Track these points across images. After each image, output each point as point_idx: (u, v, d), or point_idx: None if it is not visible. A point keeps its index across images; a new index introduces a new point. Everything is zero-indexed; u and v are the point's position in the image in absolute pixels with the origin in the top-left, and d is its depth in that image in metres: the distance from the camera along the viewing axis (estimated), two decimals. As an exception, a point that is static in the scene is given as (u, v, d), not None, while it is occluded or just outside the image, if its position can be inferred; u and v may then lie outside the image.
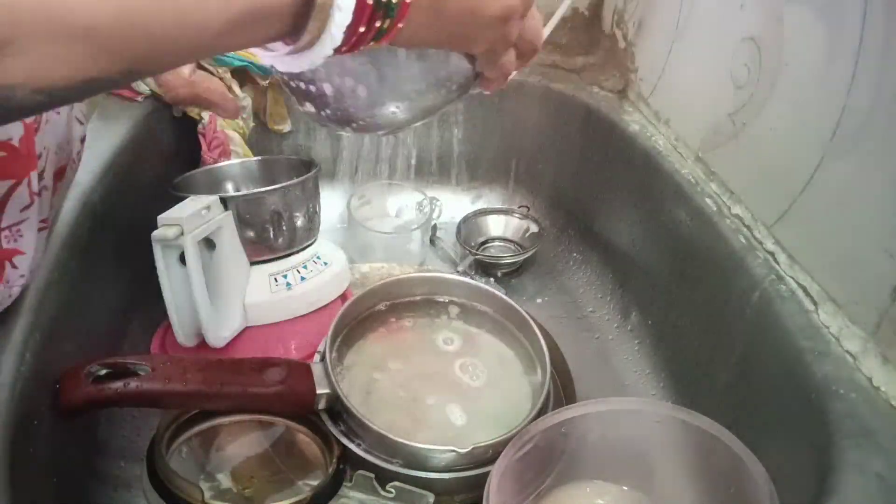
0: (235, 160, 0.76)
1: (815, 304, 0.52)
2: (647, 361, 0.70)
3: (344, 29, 0.28)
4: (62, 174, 0.47)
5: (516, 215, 0.90)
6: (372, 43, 0.30)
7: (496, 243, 0.89)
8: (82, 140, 0.52)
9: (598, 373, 0.70)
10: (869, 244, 0.47)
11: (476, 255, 0.84)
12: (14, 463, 0.39)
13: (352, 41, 0.29)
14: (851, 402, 0.44)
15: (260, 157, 0.76)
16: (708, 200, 0.64)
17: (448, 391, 0.57)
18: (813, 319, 0.51)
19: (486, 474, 0.45)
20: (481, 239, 0.89)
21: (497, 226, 0.90)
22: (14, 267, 0.42)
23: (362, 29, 0.29)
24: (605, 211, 0.82)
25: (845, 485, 0.40)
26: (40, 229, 0.44)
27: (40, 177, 0.42)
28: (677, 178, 0.68)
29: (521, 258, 0.84)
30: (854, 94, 0.48)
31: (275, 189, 0.62)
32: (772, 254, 0.57)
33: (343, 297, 0.69)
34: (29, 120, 0.40)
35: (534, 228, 0.87)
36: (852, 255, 0.49)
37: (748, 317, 0.55)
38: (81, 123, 0.51)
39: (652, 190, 0.72)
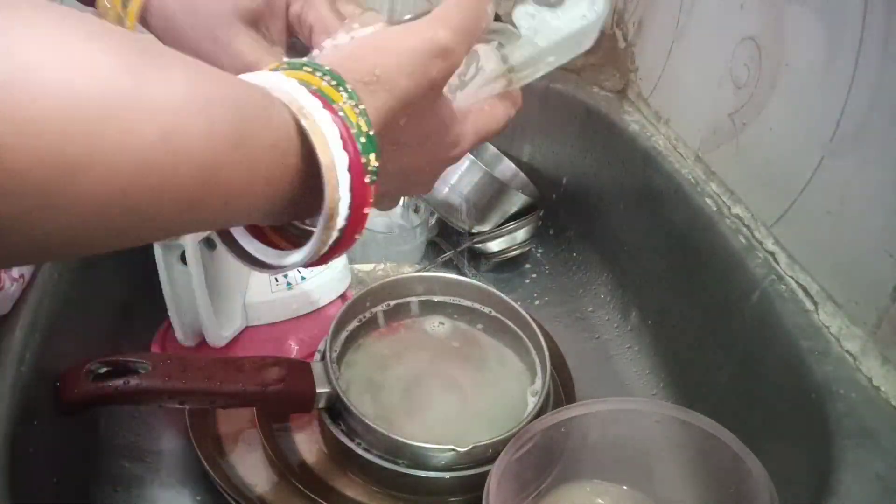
0: None
1: (815, 304, 0.52)
2: (647, 361, 0.70)
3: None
4: None
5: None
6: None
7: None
8: None
9: (598, 373, 0.70)
10: (869, 244, 0.47)
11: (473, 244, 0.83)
12: (14, 463, 0.39)
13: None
14: (851, 402, 0.44)
15: None
16: (708, 200, 0.64)
17: (448, 391, 0.57)
18: (813, 319, 0.51)
19: (486, 474, 0.45)
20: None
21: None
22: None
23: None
24: (604, 211, 0.82)
25: (845, 485, 0.40)
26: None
27: None
28: (677, 178, 0.68)
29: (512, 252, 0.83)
30: (854, 94, 0.48)
31: None
32: (772, 254, 0.57)
33: (343, 296, 0.69)
34: None
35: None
36: (852, 255, 0.49)
37: (748, 317, 0.55)
38: None
39: (652, 190, 0.72)
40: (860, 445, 0.42)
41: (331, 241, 0.28)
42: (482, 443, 0.48)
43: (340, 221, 0.27)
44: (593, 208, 0.84)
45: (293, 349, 0.62)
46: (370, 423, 0.49)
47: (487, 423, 0.54)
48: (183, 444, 0.57)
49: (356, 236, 0.29)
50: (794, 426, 0.48)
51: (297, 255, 0.29)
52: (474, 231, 0.82)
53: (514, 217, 0.82)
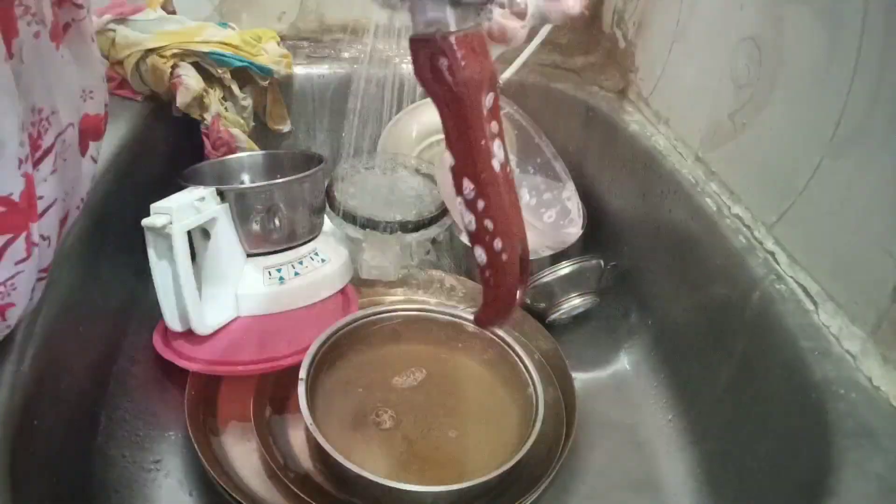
0: (243, 153, 0.76)
1: (815, 304, 0.52)
2: (647, 361, 0.70)
3: None
4: (66, 220, 0.46)
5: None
6: None
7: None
8: (92, 179, 0.51)
9: (597, 372, 0.70)
10: (869, 244, 0.47)
11: None
12: (14, 463, 0.39)
13: None
14: (851, 402, 0.44)
15: (269, 151, 0.76)
16: (708, 200, 0.64)
17: (444, 414, 0.57)
18: (813, 319, 0.51)
19: (476, 486, 0.45)
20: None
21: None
22: (4, 319, 0.40)
23: None
24: (604, 211, 0.82)
25: (845, 485, 0.40)
26: (39, 279, 0.42)
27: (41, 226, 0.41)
28: (677, 178, 0.68)
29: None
30: (854, 94, 0.48)
31: (272, 184, 0.63)
32: (772, 254, 0.57)
33: (343, 291, 0.69)
34: (30, 170, 0.38)
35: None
36: (852, 255, 0.49)
37: (748, 317, 0.55)
38: (95, 162, 0.50)
39: (652, 190, 0.72)
40: (860, 445, 0.42)
41: None
42: (467, 484, 0.48)
43: None
44: (593, 208, 0.84)
45: (286, 342, 0.62)
46: (350, 468, 0.48)
47: (481, 450, 0.54)
48: (183, 443, 0.57)
49: None
50: (794, 426, 0.48)
51: None
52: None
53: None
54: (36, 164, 0.40)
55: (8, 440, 0.39)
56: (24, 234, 0.39)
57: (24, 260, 0.39)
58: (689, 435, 0.60)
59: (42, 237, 0.42)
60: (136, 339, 0.63)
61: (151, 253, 0.57)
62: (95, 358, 0.57)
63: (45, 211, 0.42)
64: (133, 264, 0.64)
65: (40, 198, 0.41)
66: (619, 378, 0.70)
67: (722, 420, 0.56)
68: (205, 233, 0.60)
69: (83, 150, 0.47)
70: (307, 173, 0.65)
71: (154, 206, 0.56)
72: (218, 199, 0.60)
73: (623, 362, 0.71)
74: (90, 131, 0.48)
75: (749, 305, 0.55)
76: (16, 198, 0.37)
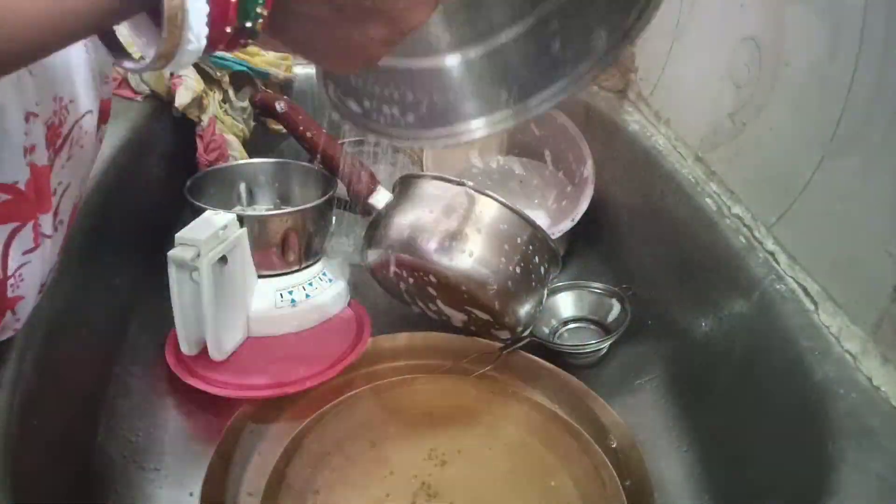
0: (255, 160, 0.76)
1: (815, 304, 0.52)
2: (646, 361, 0.70)
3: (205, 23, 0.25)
4: (78, 204, 0.46)
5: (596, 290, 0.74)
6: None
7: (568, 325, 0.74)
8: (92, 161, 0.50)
9: (596, 372, 0.70)
10: (869, 244, 0.47)
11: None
12: (14, 462, 0.39)
13: (220, 37, 0.26)
14: (851, 402, 0.44)
15: (276, 160, 0.75)
16: (708, 200, 0.64)
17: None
18: (813, 319, 0.51)
19: None
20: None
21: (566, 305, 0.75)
22: (13, 313, 0.40)
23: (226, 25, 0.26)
24: (604, 211, 0.82)
25: (845, 485, 0.40)
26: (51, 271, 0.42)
27: (56, 213, 0.41)
28: (677, 178, 0.68)
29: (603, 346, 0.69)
30: (854, 94, 0.48)
31: (292, 211, 0.63)
32: (772, 254, 0.57)
33: (350, 306, 0.68)
34: (44, 161, 0.38)
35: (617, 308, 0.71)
36: (852, 255, 0.49)
37: (748, 317, 0.55)
38: (101, 143, 0.50)
39: (652, 190, 0.72)
40: (860, 445, 0.42)
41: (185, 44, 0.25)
42: None
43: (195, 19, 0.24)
44: (593, 208, 0.84)
45: (296, 361, 0.61)
46: None
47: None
48: (183, 443, 0.57)
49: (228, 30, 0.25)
50: (794, 426, 0.48)
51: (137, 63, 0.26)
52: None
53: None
54: (57, 151, 0.40)
55: (8, 440, 0.39)
56: (31, 224, 0.38)
57: (31, 250, 0.39)
58: (689, 435, 0.60)
59: (60, 222, 0.42)
60: (136, 339, 0.63)
61: (174, 284, 0.56)
62: (95, 358, 0.57)
63: (61, 196, 0.42)
64: (133, 264, 0.64)
65: (59, 183, 0.41)
66: (619, 378, 0.70)
67: (722, 420, 0.56)
68: (221, 259, 0.59)
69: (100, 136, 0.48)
70: (324, 198, 0.65)
71: (180, 237, 0.55)
72: (238, 224, 0.59)
73: (623, 363, 0.71)
74: (104, 115, 0.48)
75: (749, 305, 0.55)
76: (21, 186, 0.37)
